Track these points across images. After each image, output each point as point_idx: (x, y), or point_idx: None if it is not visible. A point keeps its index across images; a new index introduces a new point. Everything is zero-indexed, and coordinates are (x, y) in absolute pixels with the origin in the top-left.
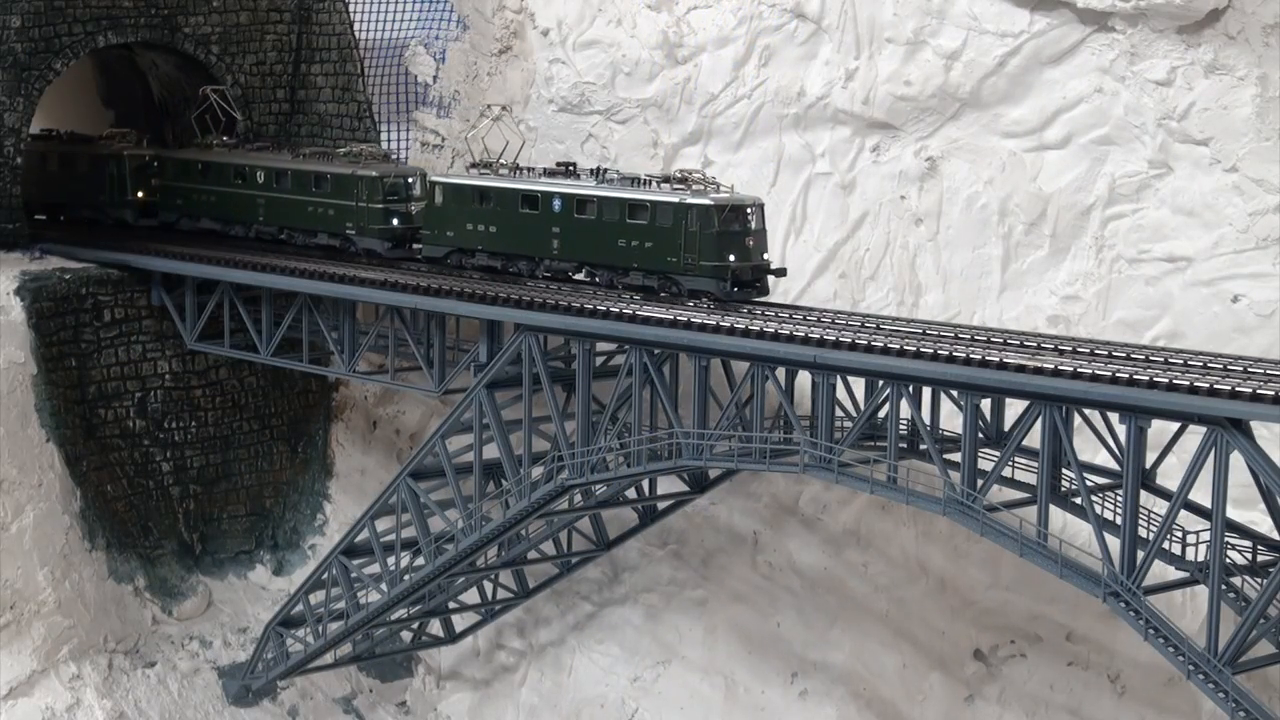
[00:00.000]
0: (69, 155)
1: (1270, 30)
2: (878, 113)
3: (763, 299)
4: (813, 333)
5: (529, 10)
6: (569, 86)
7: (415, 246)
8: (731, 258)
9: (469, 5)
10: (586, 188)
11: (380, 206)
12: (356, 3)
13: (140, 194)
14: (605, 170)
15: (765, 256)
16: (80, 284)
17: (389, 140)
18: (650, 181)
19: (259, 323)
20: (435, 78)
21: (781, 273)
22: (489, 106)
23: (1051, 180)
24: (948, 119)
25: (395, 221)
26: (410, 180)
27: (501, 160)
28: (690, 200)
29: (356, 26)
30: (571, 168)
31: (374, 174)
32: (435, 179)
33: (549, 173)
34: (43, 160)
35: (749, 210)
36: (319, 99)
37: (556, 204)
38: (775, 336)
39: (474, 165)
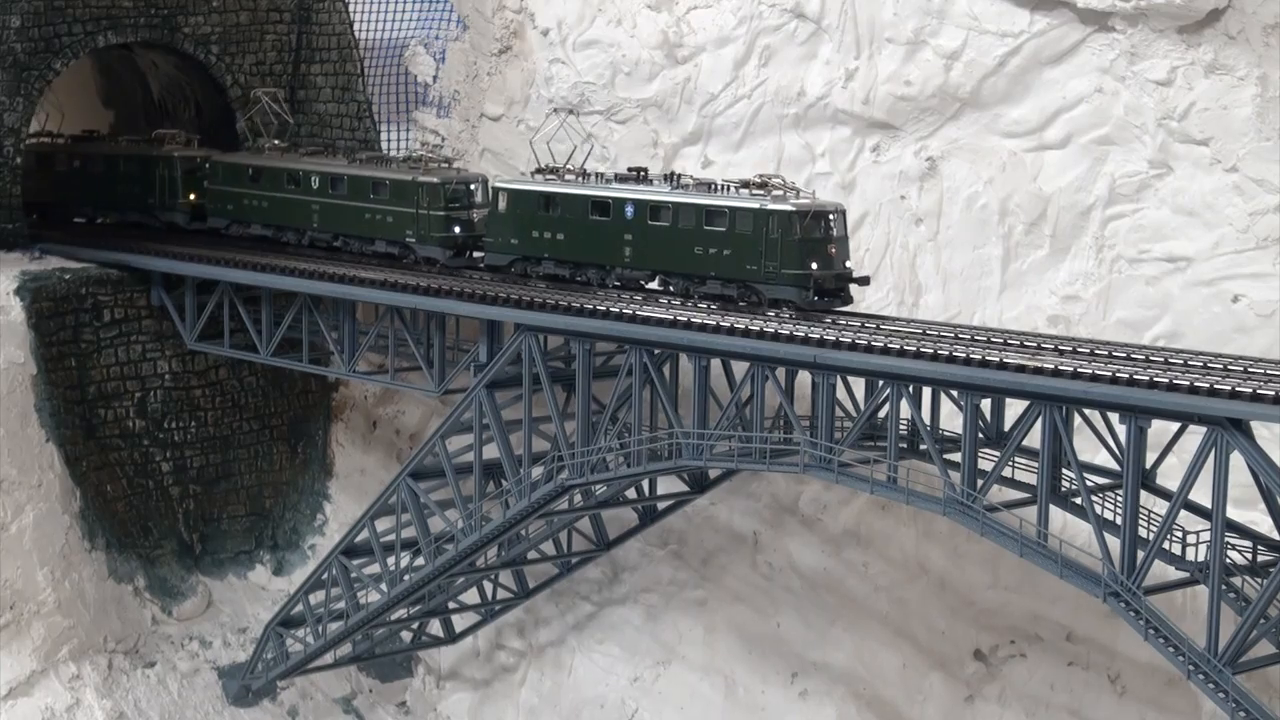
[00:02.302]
0: (114, 157)
1: (1270, 30)
2: (878, 113)
3: (845, 308)
4: (813, 333)
5: (529, 10)
6: (569, 86)
7: (477, 255)
8: (814, 265)
9: (469, 5)
10: (661, 193)
11: (442, 213)
12: (356, 3)
13: (192, 196)
14: (679, 175)
15: (848, 264)
16: (80, 284)
17: (389, 140)
18: (728, 187)
19: (259, 323)
20: (435, 78)
21: (865, 281)
22: (555, 110)
23: (1051, 180)
24: (948, 119)
25: (457, 229)
26: (473, 186)
27: (568, 165)
28: (771, 206)
29: (356, 26)
30: (643, 173)
31: (435, 180)
32: (499, 184)
33: (620, 178)
34: (85, 162)
35: (831, 216)
36: (319, 99)
37: (629, 210)
38: (775, 336)
39: (540, 170)
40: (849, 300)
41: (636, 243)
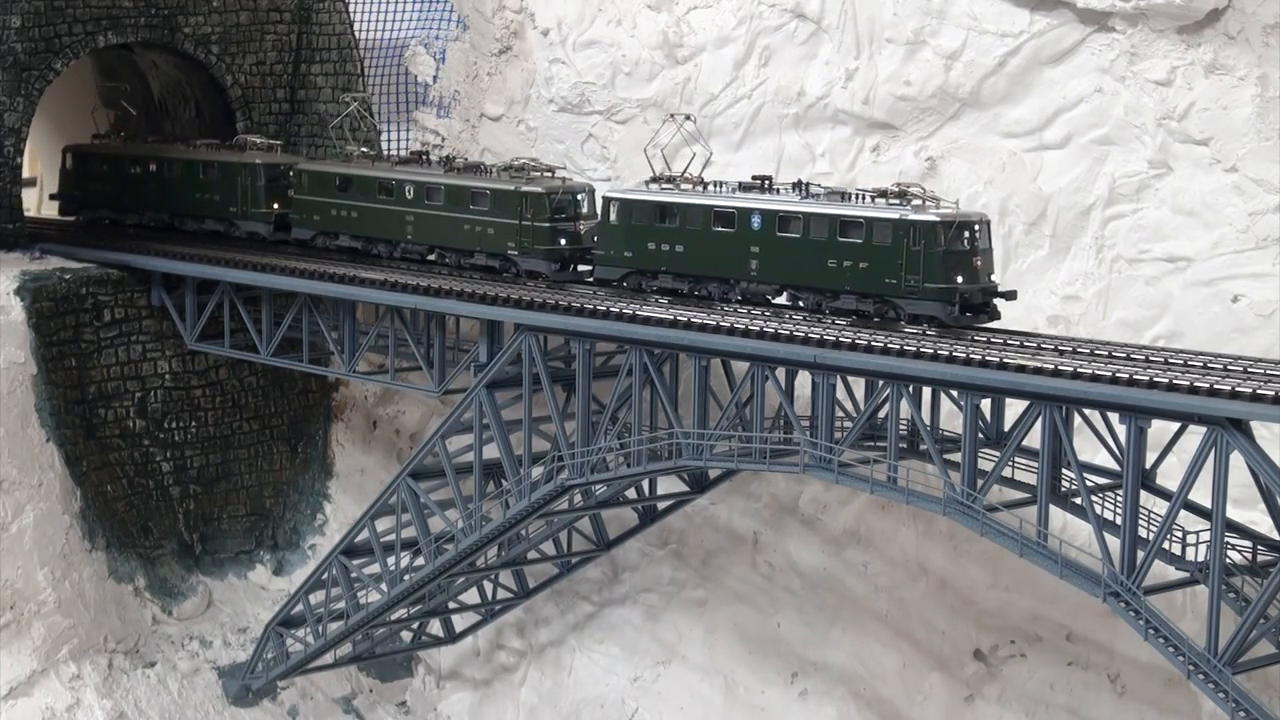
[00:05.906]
0: (193, 162)
1: (1270, 30)
2: (878, 113)
3: (991, 324)
4: (813, 333)
5: (529, 10)
6: (569, 86)
7: (583, 268)
8: (959, 279)
9: (469, 5)
10: (791, 203)
11: (547, 225)
12: (356, 3)
13: (275, 205)
14: (808, 184)
15: (993, 278)
16: (80, 284)
17: (389, 140)
18: (862, 196)
19: (259, 323)
20: (435, 78)
21: (1012, 295)
22: (672, 116)
23: (1051, 180)
24: (948, 119)
25: (563, 241)
26: (580, 196)
27: (687, 174)
28: (912, 216)
29: (356, 26)
30: (768, 181)
31: (540, 190)
32: (610, 195)
33: (744, 187)
34: (160, 168)
35: (976, 226)
36: (319, 99)
37: (755, 221)
38: (775, 336)
39: (654, 179)
40: (996, 316)
41: (764, 255)
